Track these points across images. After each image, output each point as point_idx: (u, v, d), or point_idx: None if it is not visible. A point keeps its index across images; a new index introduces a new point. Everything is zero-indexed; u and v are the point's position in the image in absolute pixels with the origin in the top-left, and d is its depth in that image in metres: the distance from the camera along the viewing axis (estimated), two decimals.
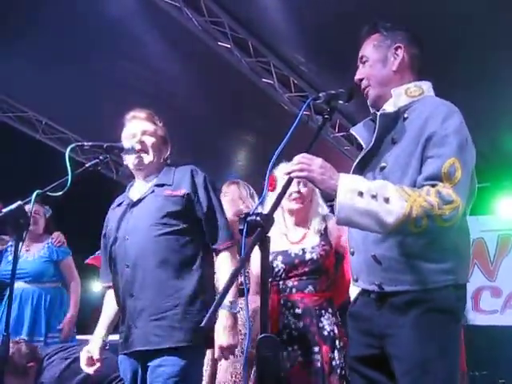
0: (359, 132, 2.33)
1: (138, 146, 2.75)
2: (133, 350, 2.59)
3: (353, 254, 2.27)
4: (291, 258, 3.17)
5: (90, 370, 2.73)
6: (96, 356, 2.72)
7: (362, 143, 2.28)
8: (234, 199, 3.91)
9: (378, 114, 2.20)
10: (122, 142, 2.81)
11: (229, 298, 2.55)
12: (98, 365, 2.73)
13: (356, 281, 2.25)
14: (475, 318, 6.68)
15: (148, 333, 2.53)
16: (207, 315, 1.49)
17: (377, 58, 2.24)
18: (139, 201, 2.75)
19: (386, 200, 1.90)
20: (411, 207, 1.88)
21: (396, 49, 2.23)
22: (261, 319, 1.64)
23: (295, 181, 3.06)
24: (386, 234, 1.99)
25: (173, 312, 2.54)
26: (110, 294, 2.83)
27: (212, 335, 2.57)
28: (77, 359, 3.02)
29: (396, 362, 2.07)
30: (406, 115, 2.16)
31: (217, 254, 2.71)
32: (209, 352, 3.24)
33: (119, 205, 2.85)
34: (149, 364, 2.53)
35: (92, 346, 2.75)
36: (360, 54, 2.30)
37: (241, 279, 3.17)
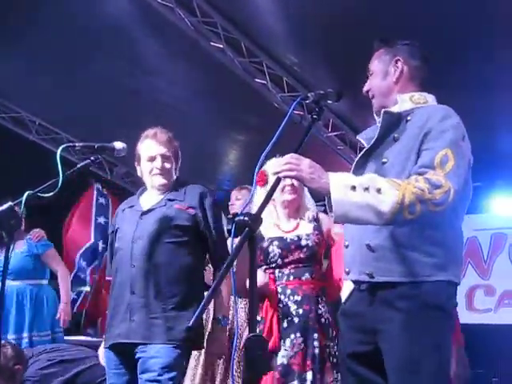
0: (363, 136, 2.42)
1: (156, 171, 2.96)
2: (123, 342, 2.77)
3: (347, 246, 2.31)
4: (287, 242, 3.22)
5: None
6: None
7: (365, 144, 2.34)
8: None
9: (382, 111, 2.27)
10: (140, 158, 3.01)
11: (222, 313, 2.89)
12: None
13: (347, 273, 2.28)
14: (469, 317, 6.69)
15: (145, 328, 2.74)
16: (194, 316, 1.54)
17: (379, 71, 2.36)
18: (150, 210, 2.93)
19: (378, 190, 1.95)
20: (403, 195, 1.93)
21: (396, 61, 2.35)
22: (249, 319, 1.66)
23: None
24: (383, 224, 2.02)
25: (167, 314, 2.76)
26: None
27: (199, 337, 2.87)
28: (63, 362, 3.07)
29: (386, 358, 2.10)
30: (409, 118, 2.24)
31: (215, 270, 2.98)
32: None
33: (130, 207, 3.04)
34: (140, 356, 2.73)
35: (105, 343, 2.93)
36: (369, 68, 2.42)
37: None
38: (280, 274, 3.20)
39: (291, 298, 3.14)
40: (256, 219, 1.66)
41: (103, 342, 2.99)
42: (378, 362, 2.13)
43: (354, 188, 1.95)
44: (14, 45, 5.61)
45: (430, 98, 2.32)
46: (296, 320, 3.10)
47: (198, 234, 2.92)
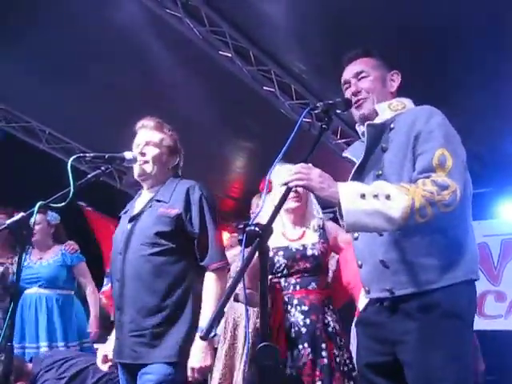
0: (351, 152, 2.44)
1: (139, 157, 2.79)
2: (121, 361, 2.69)
3: (361, 266, 2.31)
4: (292, 252, 3.20)
5: (105, 368, 2.85)
6: (110, 357, 2.80)
7: (355, 160, 2.35)
8: None
9: (365, 124, 2.29)
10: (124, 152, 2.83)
11: (204, 323, 2.56)
12: (110, 363, 2.83)
13: (368, 292, 2.28)
14: (479, 323, 6.65)
15: (128, 347, 2.61)
16: (206, 326, 1.51)
17: (378, 77, 2.38)
18: (138, 215, 2.79)
19: (388, 197, 1.95)
20: (413, 199, 1.94)
21: (393, 74, 2.41)
22: (261, 328, 1.66)
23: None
24: (395, 229, 2.02)
25: (152, 330, 2.58)
26: None
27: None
28: (73, 378, 3.04)
29: (407, 369, 2.10)
30: (392, 126, 2.26)
31: (201, 275, 2.69)
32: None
33: (125, 212, 2.91)
34: (137, 372, 2.59)
35: (108, 346, 2.83)
36: (355, 70, 2.40)
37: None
38: (286, 284, 3.19)
39: (298, 308, 3.12)
40: (266, 229, 1.67)
41: (107, 344, 2.87)
42: (395, 373, 2.13)
43: (363, 196, 1.96)
44: (25, 56, 5.66)
45: (407, 102, 2.35)
46: (303, 330, 3.08)
47: (185, 237, 2.68)
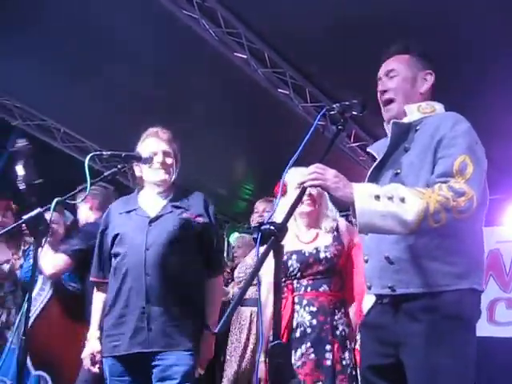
0: (374, 148, 2.43)
1: (158, 166, 2.97)
2: (138, 352, 2.77)
3: (366, 261, 2.30)
4: (305, 256, 3.21)
5: (96, 369, 2.97)
6: (98, 358, 2.96)
7: (376, 155, 2.35)
8: None
9: (391, 122, 2.28)
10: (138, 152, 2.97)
11: (212, 320, 2.94)
12: (98, 365, 2.97)
13: (369, 288, 2.28)
14: (490, 330, 6.62)
15: (165, 336, 2.77)
16: (221, 322, 1.54)
17: (409, 76, 2.34)
18: (158, 217, 2.94)
19: (402, 200, 1.95)
20: (427, 203, 1.93)
21: (426, 74, 2.36)
22: (273, 327, 1.67)
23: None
24: (408, 233, 2.02)
25: (184, 321, 2.82)
26: (101, 294, 3.04)
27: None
28: None
29: (408, 371, 2.09)
30: (418, 127, 2.25)
31: (210, 277, 3.02)
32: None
33: (129, 212, 3.01)
34: (158, 364, 2.77)
35: (93, 347, 2.98)
36: (387, 68, 2.38)
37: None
38: (298, 285, 3.20)
39: (307, 308, 3.14)
40: (281, 228, 1.67)
41: (88, 348, 2.99)
42: (398, 376, 2.12)
43: (377, 197, 1.96)
44: (40, 55, 5.70)
45: (438, 106, 2.33)
46: (309, 330, 3.09)
47: (203, 241, 2.99)
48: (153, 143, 3.02)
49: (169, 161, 3.02)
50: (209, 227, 2.99)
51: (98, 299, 3.06)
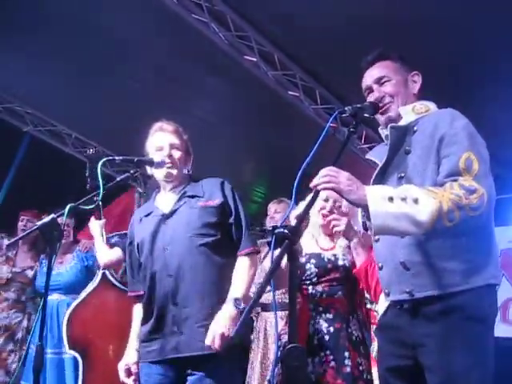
0: (374, 154, 2.44)
1: (167, 160, 2.82)
2: (172, 357, 2.64)
3: (381, 268, 2.30)
4: (324, 262, 3.21)
5: (130, 381, 2.81)
6: (134, 369, 2.80)
7: (378, 161, 2.35)
8: None
9: (389, 127, 2.29)
10: (149, 154, 2.88)
11: (237, 294, 2.62)
12: (133, 377, 2.80)
13: (388, 295, 2.27)
14: (504, 330, 6.58)
15: (195, 339, 2.59)
16: (238, 323, 1.52)
17: (400, 80, 2.37)
18: (172, 212, 2.81)
19: (415, 200, 1.95)
20: (441, 202, 1.93)
21: (414, 75, 2.40)
22: (288, 329, 1.67)
23: (322, 198, 3.15)
24: (422, 233, 2.01)
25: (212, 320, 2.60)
26: (139, 306, 2.90)
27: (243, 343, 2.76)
28: None
29: (428, 373, 2.08)
30: (415, 129, 2.26)
31: (237, 257, 2.76)
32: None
33: (147, 215, 2.90)
34: (193, 372, 2.60)
35: (130, 359, 2.83)
36: (376, 76, 2.38)
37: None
38: (313, 291, 3.19)
39: (323, 315, 3.13)
40: (296, 231, 1.67)
41: (124, 359, 2.86)
42: (416, 377, 2.11)
43: (391, 199, 1.96)
44: (50, 59, 5.73)
45: (432, 105, 2.34)
46: (327, 338, 3.08)
47: (226, 226, 2.78)
48: (158, 137, 2.90)
49: (176, 154, 2.86)
50: (224, 206, 2.78)
51: (137, 311, 2.93)
